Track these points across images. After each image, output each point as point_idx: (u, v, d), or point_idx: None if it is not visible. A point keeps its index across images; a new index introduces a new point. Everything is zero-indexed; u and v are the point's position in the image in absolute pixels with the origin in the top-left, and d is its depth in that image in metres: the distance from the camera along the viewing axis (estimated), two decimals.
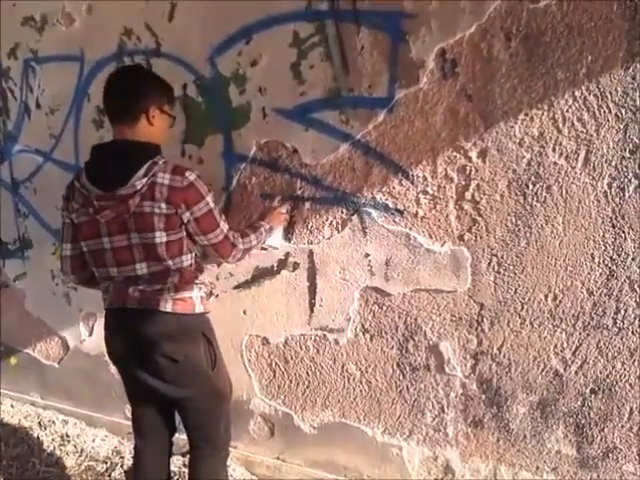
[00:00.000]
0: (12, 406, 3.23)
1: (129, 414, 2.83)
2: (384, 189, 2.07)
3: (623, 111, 1.71)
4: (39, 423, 3.06)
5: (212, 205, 1.82)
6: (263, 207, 2.28)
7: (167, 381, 1.86)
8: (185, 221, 1.79)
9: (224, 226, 1.87)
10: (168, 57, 2.34)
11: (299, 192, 2.22)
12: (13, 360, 3.15)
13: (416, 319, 2.13)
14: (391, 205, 2.08)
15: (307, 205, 2.22)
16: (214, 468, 2.02)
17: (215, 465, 2.02)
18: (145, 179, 1.72)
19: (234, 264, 2.11)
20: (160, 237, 1.77)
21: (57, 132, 2.70)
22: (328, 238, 2.21)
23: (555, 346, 1.96)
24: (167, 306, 1.81)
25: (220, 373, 1.99)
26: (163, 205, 1.74)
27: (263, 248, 2.22)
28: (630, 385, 1.91)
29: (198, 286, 1.91)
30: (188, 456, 2.06)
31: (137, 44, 2.38)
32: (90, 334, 2.89)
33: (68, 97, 2.61)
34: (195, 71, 2.29)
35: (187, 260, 1.86)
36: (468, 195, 1.95)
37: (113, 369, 2.82)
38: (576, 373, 1.96)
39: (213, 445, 2.00)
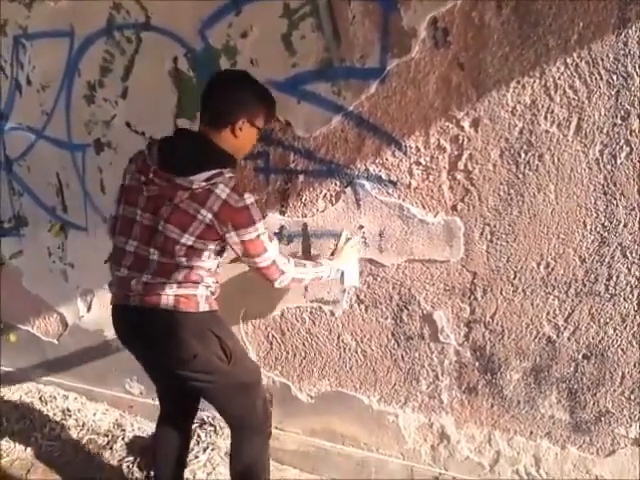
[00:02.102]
0: (13, 382, 3.26)
1: (129, 388, 2.90)
2: (377, 160, 2.07)
3: (614, 77, 1.71)
4: (40, 398, 3.08)
5: (261, 231, 1.75)
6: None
7: (182, 377, 1.86)
8: (230, 242, 1.74)
9: (273, 252, 1.79)
10: (158, 30, 2.31)
11: (292, 165, 2.21)
12: (12, 337, 3.17)
13: (410, 289, 2.15)
14: (384, 177, 2.08)
15: (301, 178, 2.22)
16: (253, 451, 2.03)
17: (254, 448, 2.03)
18: (204, 183, 1.67)
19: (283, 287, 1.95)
20: (187, 240, 1.72)
21: (49, 109, 2.67)
22: (322, 211, 2.22)
23: (548, 313, 1.99)
24: (169, 303, 1.78)
25: (239, 365, 1.92)
26: (209, 215, 1.68)
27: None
28: (622, 350, 1.94)
29: (204, 285, 1.83)
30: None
31: (126, 18, 2.35)
32: (88, 310, 2.91)
33: (59, 73, 2.58)
34: (185, 44, 2.26)
35: (202, 263, 1.79)
36: (461, 165, 1.96)
37: (113, 345, 2.86)
38: (569, 339, 1.99)
39: (249, 430, 2.00)
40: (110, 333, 2.84)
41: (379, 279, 2.20)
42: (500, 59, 1.81)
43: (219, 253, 1.83)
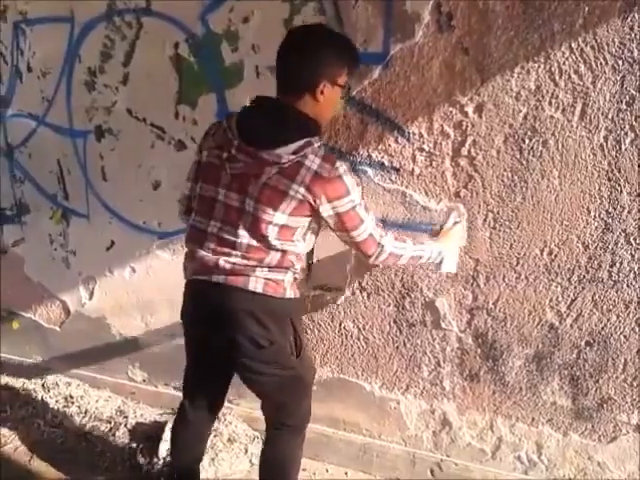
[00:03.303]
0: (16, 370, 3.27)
1: (132, 375, 2.90)
2: (380, 147, 2.06)
3: (620, 62, 1.70)
4: (42, 385, 3.09)
5: (358, 201, 1.64)
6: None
7: (248, 365, 1.78)
8: (324, 215, 1.63)
9: (370, 223, 1.68)
10: (159, 16, 2.28)
11: None
12: (15, 324, 3.18)
13: (412, 276, 2.15)
14: (387, 163, 2.07)
15: None
16: (288, 449, 1.96)
17: (290, 446, 1.96)
18: (293, 156, 1.56)
19: (379, 264, 1.90)
20: (279, 219, 1.62)
21: (50, 95, 2.65)
22: None
23: (550, 300, 1.98)
24: (257, 286, 1.68)
25: (304, 361, 1.88)
26: (301, 190, 1.58)
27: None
28: (625, 337, 1.94)
29: (292, 270, 1.74)
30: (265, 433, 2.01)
31: (127, 3, 2.32)
32: (90, 297, 2.90)
33: (59, 59, 2.56)
34: (186, 29, 2.24)
35: (294, 246, 1.70)
36: (464, 151, 1.95)
37: (115, 331, 2.87)
38: (571, 326, 1.99)
39: (290, 428, 1.93)
40: (112, 320, 2.86)
41: (381, 266, 2.19)
42: (504, 44, 1.80)
43: (315, 232, 1.76)
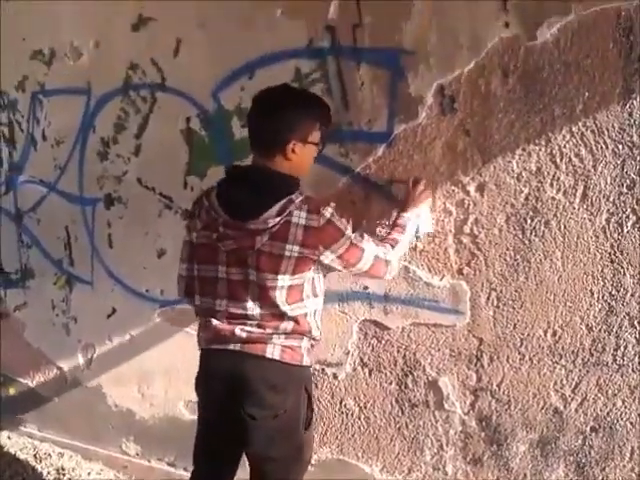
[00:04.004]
0: (9, 437, 3.19)
1: (125, 448, 2.83)
2: (383, 222, 2.07)
3: (620, 147, 1.72)
4: (35, 455, 3.01)
5: (352, 235, 1.65)
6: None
7: (257, 436, 1.71)
8: (327, 262, 1.64)
9: (370, 247, 1.69)
10: (173, 91, 2.37)
11: None
12: (12, 390, 3.13)
13: (415, 354, 2.11)
14: None
15: None
16: None
17: None
18: (278, 218, 1.57)
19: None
20: (282, 281, 1.61)
21: (62, 163, 2.73)
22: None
23: (555, 383, 1.93)
24: (275, 353, 1.67)
25: (310, 436, 1.84)
26: (296, 248, 1.58)
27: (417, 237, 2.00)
28: (631, 423, 1.88)
29: (308, 337, 1.73)
30: None
31: (143, 78, 2.42)
32: (88, 366, 2.87)
33: (74, 129, 2.65)
34: (199, 105, 2.32)
35: (306, 307, 1.69)
36: (467, 229, 1.95)
37: (110, 402, 2.82)
38: (576, 411, 1.93)
39: None
40: (108, 389, 2.81)
41: (383, 342, 2.16)
42: (506, 126, 1.84)
43: (321, 282, 1.73)
